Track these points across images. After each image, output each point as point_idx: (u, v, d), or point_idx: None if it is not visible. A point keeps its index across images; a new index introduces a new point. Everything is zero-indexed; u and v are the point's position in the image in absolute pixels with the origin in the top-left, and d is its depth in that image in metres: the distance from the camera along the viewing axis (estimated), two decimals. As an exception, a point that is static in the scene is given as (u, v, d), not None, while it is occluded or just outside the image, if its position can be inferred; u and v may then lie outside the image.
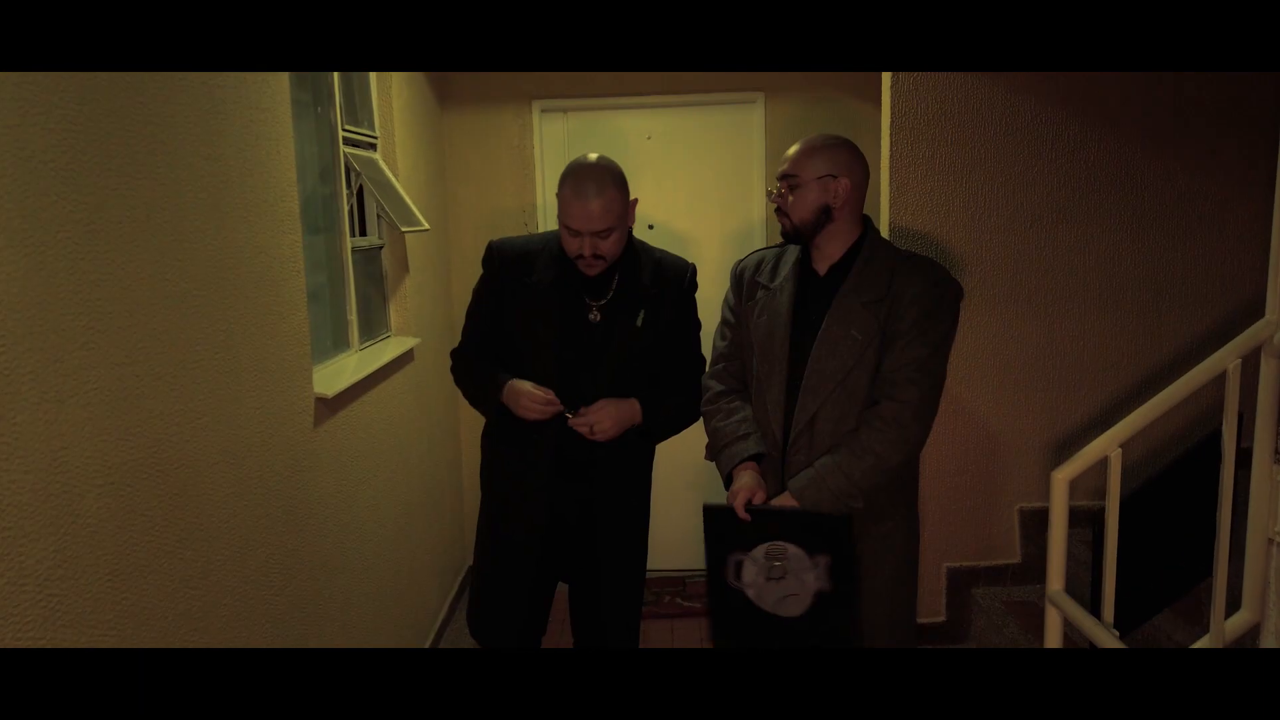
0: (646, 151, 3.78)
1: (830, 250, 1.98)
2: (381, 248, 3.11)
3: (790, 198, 1.95)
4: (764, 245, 3.81)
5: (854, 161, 1.94)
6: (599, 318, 2.04)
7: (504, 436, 2.14)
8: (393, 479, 2.86)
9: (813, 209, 1.93)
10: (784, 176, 1.96)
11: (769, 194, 2.02)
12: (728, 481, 2.00)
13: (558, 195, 1.94)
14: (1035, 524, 2.97)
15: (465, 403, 2.25)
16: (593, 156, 1.97)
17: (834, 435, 1.91)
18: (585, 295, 2.04)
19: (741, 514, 1.90)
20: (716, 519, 1.95)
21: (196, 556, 1.67)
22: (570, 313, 2.03)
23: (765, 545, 1.89)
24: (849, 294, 1.93)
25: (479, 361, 2.13)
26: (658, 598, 3.79)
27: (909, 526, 2.06)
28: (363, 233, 3.05)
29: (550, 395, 1.99)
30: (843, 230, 1.96)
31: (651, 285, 2.07)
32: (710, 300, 3.86)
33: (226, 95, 1.84)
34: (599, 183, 1.90)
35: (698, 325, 2.21)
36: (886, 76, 2.80)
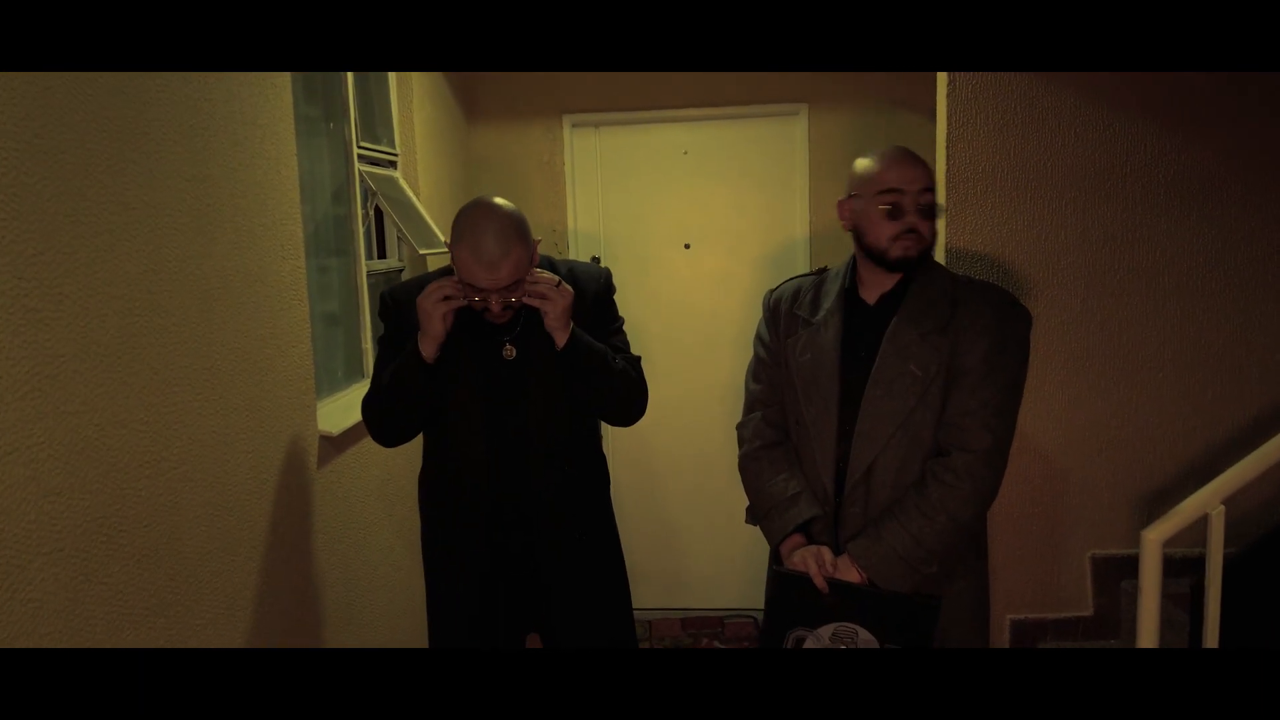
0: (682, 167, 3.58)
1: (881, 277, 1.76)
2: (401, 271, 2.95)
3: (931, 223, 1.72)
4: (809, 267, 3.61)
5: None
6: (514, 352, 1.83)
7: (436, 491, 1.94)
8: (408, 521, 2.67)
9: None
10: (931, 189, 1.71)
11: (918, 209, 1.69)
12: (776, 554, 1.79)
13: (451, 249, 1.68)
14: (1109, 573, 2.69)
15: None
16: (489, 202, 1.70)
17: (895, 486, 1.69)
18: (495, 333, 1.83)
19: (821, 585, 1.68)
20: (788, 587, 1.73)
21: (170, 625, 1.50)
22: (483, 355, 1.82)
23: (834, 625, 1.67)
24: (904, 325, 1.71)
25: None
26: (695, 639, 3.57)
27: (980, 583, 1.82)
28: (381, 255, 2.89)
29: (434, 283, 1.72)
30: None
31: None
32: (749, 334, 3.66)
33: (215, 109, 1.68)
34: (502, 241, 1.63)
35: (619, 322, 1.96)
36: (942, 81, 2.57)
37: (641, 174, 3.59)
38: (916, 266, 1.71)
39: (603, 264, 2.05)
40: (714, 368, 3.62)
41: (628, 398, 1.85)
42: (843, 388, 1.73)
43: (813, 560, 1.69)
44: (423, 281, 1.88)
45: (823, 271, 1.84)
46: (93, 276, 1.32)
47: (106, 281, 1.35)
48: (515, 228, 1.67)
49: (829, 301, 1.79)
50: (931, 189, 1.69)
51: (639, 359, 1.92)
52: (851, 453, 1.72)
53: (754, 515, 1.86)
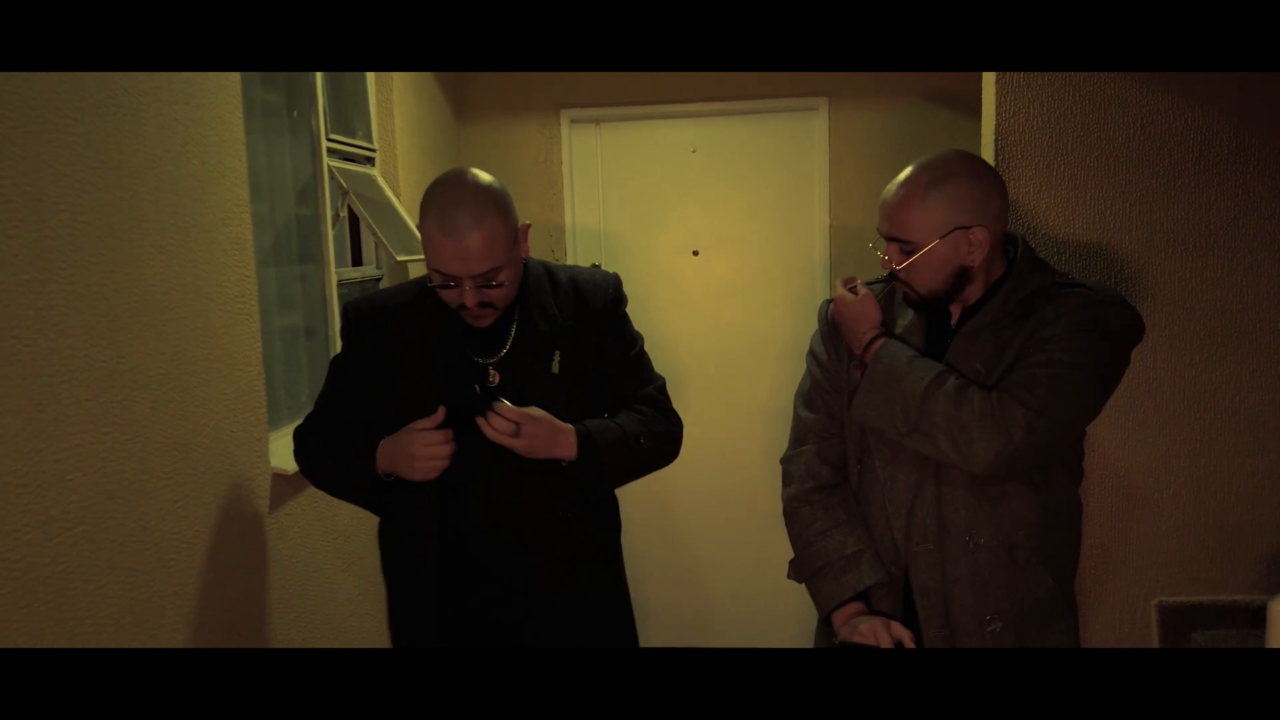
0: (691, 166, 3.28)
1: (967, 294, 1.45)
2: (379, 280, 2.64)
3: (905, 266, 1.40)
4: (827, 278, 3.31)
5: (987, 194, 1.38)
6: (498, 379, 1.49)
7: (402, 555, 1.57)
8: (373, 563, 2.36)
9: (944, 276, 1.40)
10: (892, 240, 1.42)
11: (880, 256, 1.47)
12: (827, 620, 1.48)
13: (420, 229, 1.40)
14: (1177, 624, 2.38)
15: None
16: (463, 170, 1.41)
17: (992, 550, 1.39)
18: (474, 354, 1.50)
19: None
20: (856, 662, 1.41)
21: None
22: (459, 383, 1.48)
23: None
24: (972, 349, 1.41)
25: (331, 432, 1.54)
26: (703, 686, 3.25)
27: (1074, 624, 1.53)
28: (357, 262, 2.59)
29: (441, 432, 1.41)
30: (983, 274, 1.44)
31: (565, 317, 1.52)
32: (765, 350, 3.38)
33: (135, 85, 1.37)
34: (475, 210, 1.35)
35: (637, 343, 1.61)
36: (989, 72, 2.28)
37: (646, 175, 3.29)
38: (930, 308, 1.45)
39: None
40: (726, 386, 3.32)
41: (662, 460, 1.57)
42: None
43: (884, 632, 1.39)
44: (395, 294, 1.58)
45: (895, 278, 1.54)
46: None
47: (-34, 295, 1.05)
48: (493, 201, 1.37)
49: (905, 318, 1.48)
50: (899, 240, 1.40)
51: (664, 385, 1.62)
52: (920, 500, 1.42)
53: (800, 571, 1.55)
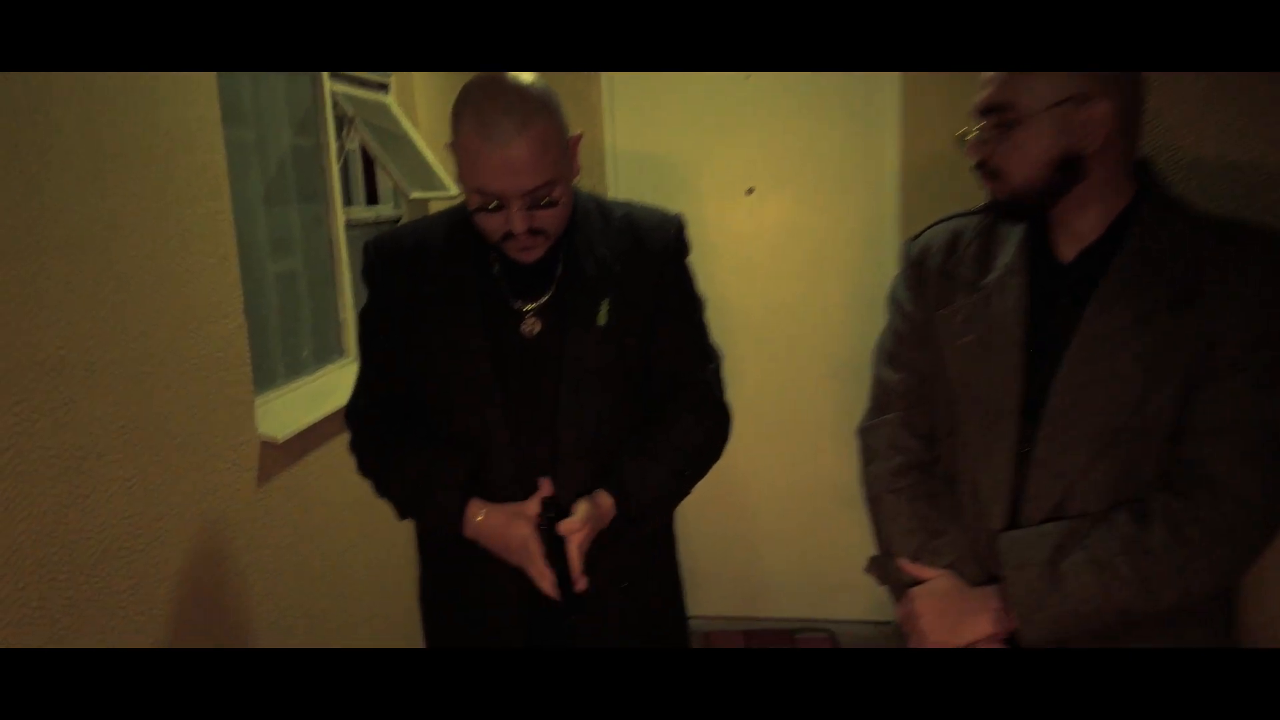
0: (743, 96, 2.94)
1: (1082, 224, 1.14)
2: (397, 221, 2.38)
3: (1000, 145, 1.10)
4: (899, 216, 2.96)
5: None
6: (537, 327, 1.25)
7: (445, 576, 1.38)
8: (391, 540, 2.13)
9: (1045, 161, 1.09)
10: (988, 110, 1.11)
11: (959, 140, 1.16)
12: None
13: (453, 144, 1.14)
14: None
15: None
16: (500, 73, 1.15)
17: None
18: (512, 297, 1.25)
19: None
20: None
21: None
22: (493, 331, 1.25)
23: None
24: (1119, 291, 1.09)
25: (402, 435, 1.32)
26: (758, 662, 3.00)
27: (1222, 626, 1.24)
28: (371, 201, 2.33)
29: (532, 518, 1.22)
30: (1103, 189, 1.12)
31: (615, 259, 1.28)
32: (829, 298, 3.05)
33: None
34: (521, 111, 1.11)
35: (699, 305, 1.37)
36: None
37: (694, 105, 2.96)
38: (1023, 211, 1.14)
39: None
40: (775, 341, 3.02)
41: (704, 472, 1.37)
42: (1028, 384, 1.13)
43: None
44: (422, 228, 1.32)
45: (993, 209, 1.22)
46: None
47: None
48: (541, 101, 1.12)
49: (1005, 255, 1.18)
50: (996, 107, 1.10)
51: (720, 366, 1.37)
52: (1031, 477, 1.12)
53: (883, 575, 1.27)
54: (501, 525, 1.22)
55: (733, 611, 3.25)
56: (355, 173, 2.22)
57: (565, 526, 1.19)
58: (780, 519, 3.19)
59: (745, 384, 3.00)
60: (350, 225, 2.09)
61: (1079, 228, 1.14)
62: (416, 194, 2.13)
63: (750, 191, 2.99)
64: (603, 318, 1.26)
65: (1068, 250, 1.15)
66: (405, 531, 2.03)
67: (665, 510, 1.36)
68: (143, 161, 1.27)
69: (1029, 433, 1.13)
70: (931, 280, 1.24)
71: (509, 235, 1.16)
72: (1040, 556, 1.10)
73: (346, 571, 1.86)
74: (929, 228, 1.31)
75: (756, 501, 3.18)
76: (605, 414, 1.26)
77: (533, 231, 1.16)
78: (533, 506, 1.21)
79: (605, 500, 1.24)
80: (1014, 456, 1.14)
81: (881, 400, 1.29)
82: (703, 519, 3.07)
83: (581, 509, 1.21)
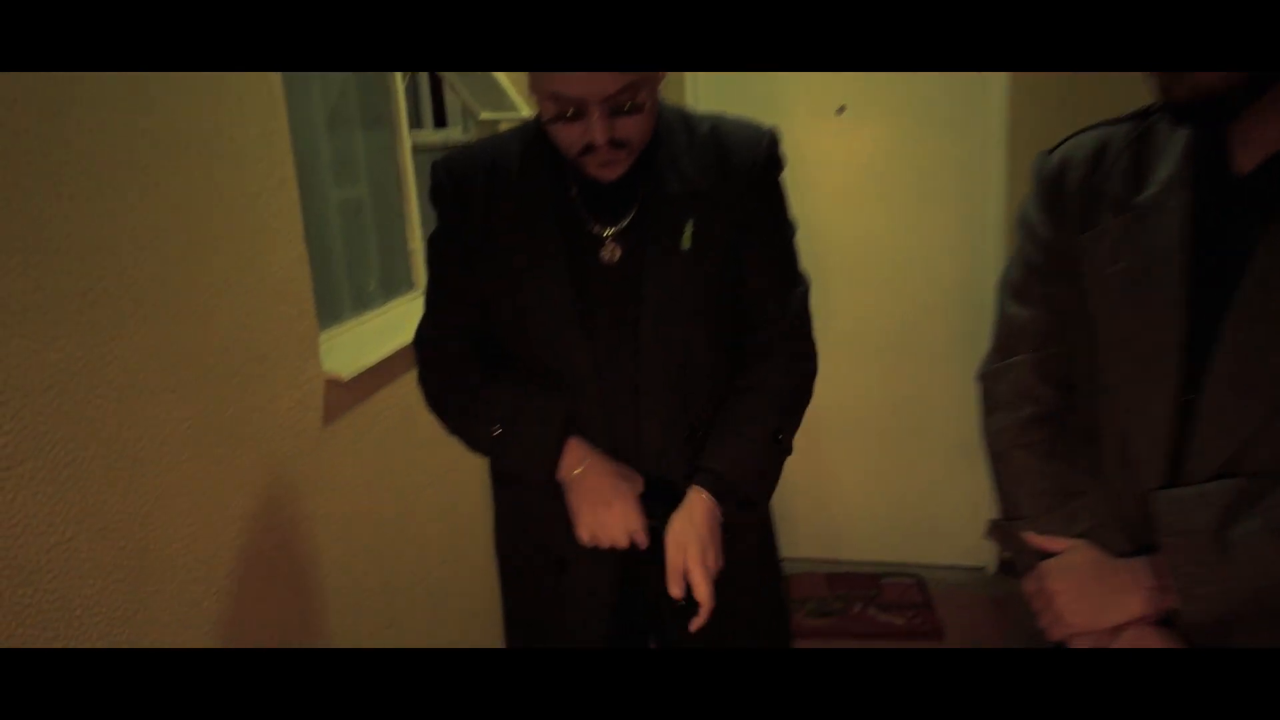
0: None
1: (1262, 131, 0.93)
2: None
3: None
4: (1006, 137, 2.67)
5: None
6: (617, 254, 1.15)
7: (522, 532, 1.29)
8: (465, 483, 2.05)
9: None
10: None
11: None
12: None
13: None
14: None
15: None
16: None
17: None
18: (591, 221, 1.16)
19: None
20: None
21: None
22: (571, 257, 1.15)
23: None
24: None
25: (478, 365, 1.22)
26: (845, 606, 2.90)
27: None
28: (440, 124, 2.21)
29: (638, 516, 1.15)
30: None
31: (701, 177, 1.16)
32: (918, 225, 2.84)
33: None
34: None
35: (791, 227, 1.24)
36: None
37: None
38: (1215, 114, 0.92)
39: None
40: (868, 282, 2.84)
41: (804, 407, 1.30)
42: (1189, 324, 0.95)
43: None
44: (494, 145, 1.21)
45: (1147, 115, 1.03)
46: None
47: None
48: None
49: (1166, 168, 0.99)
50: None
51: (807, 293, 1.26)
52: (1199, 431, 0.95)
53: (1006, 532, 1.12)
54: (604, 503, 1.14)
55: (815, 554, 3.15)
56: (422, 94, 2.10)
57: (700, 595, 1.12)
58: (870, 458, 3.05)
59: (838, 317, 2.83)
60: (417, 150, 1.98)
61: (1262, 133, 0.94)
62: (486, 114, 2.01)
63: (841, 110, 2.78)
64: (687, 241, 1.14)
65: (1246, 160, 0.95)
66: (480, 473, 1.97)
67: (772, 482, 1.27)
68: (189, 74, 1.17)
69: (1194, 378, 0.96)
70: (1072, 199, 1.06)
71: (589, 148, 1.04)
72: (1208, 522, 0.93)
73: (418, 514, 1.80)
74: (1068, 138, 1.11)
75: (844, 439, 3.05)
76: (691, 344, 1.16)
77: (614, 143, 1.04)
78: (636, 511, 1.15)
79: (700, 509, 1.16)
80: (1175, 407, 0.97)
81: (1008, 341, 1.12)
82: (794, 468, 2.96)
83: (692, 552, 1.13)
